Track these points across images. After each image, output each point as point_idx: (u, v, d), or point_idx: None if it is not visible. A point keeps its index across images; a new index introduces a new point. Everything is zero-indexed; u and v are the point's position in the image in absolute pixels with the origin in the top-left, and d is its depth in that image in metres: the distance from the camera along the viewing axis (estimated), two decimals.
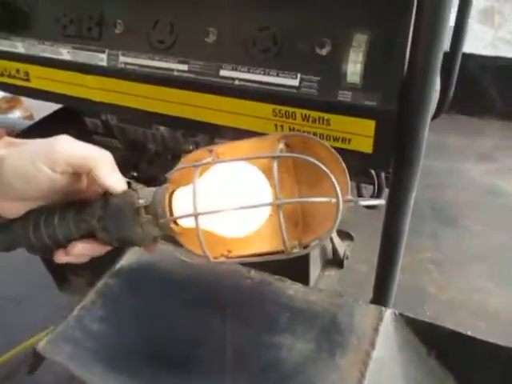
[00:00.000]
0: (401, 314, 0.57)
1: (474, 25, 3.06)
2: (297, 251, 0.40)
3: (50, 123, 1.06)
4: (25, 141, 0.44)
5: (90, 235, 0.44)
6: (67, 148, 0.42)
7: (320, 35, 0.51)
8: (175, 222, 0.42)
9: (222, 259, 0.43)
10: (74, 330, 0.58)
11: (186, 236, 0.43)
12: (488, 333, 0.58)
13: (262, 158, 0.41)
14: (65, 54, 0.69)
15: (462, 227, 0.91)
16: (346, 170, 0.40)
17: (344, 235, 0.87)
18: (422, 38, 0.43)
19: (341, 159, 0.40)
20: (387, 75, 0.49)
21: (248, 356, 0.53)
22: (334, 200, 0.37)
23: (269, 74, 0.55)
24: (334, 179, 0.36)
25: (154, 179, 1.06)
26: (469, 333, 0.55)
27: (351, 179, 0.87)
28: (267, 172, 0.41)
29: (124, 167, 1.16)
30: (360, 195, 0.92)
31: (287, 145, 0.42)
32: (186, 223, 0.42)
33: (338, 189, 0.36)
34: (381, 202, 0.42)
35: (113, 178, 0.43)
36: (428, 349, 0.57)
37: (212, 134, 0.72)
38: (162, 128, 0.92)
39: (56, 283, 1.18)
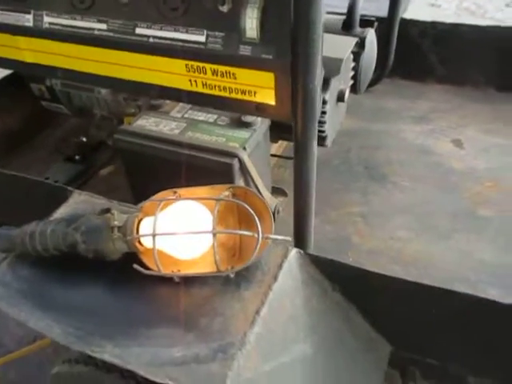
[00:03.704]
0: (306, 253, 0.62)
1: None
2: (227, 272, 0.55)
3: None
4: None
5: (73, 247, 0.57)
6: None
7: None
8: (139, 242, 0.56)
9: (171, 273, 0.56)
10: (7, 274, 0.63)
11: (146, 255, 0.56)
12: (404, 275, 0.64)
13: (211, 200, 0.56)
14: None
15: (391, 183, 0.97)
16: (272, 215, 0.56)
17: (278, 191, 0.93)
18: None
19: (269, 207, 0.56)
20: (280, 30, 0.53)
21: (162, 290, 0.58)
22: (255, 235, 0.52)
23: (179, 31, 0.58)
24: (257, 220, 0.51)
25: (102, 143, 1.10)
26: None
27: (279, 137, 0.91)
28: (213, 211, 0.54)
29: (74, 133, 1.18)
30: None
31: (234, 194, 0.57)
32: (148, 244, 0.55)
33: (259, 226, 0.52)
34: (286, 238, 0.56)
35: None
36: (332, 283, 0.63)
37: (134, 91, 0.76)
38: (103, 92, 0.95)
39: None
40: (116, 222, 0.55)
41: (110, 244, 0.55)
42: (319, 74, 0.54)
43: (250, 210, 0.52)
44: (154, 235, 0.53)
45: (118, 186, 0.87)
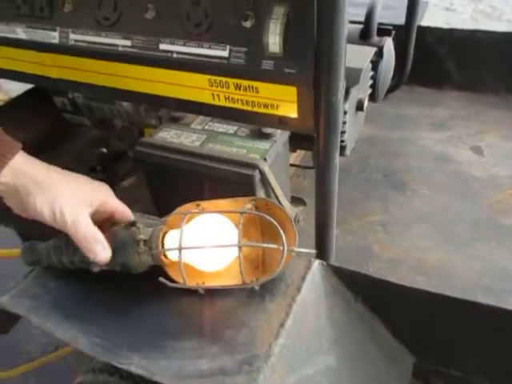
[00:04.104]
0: (328, 264, 0.63)
1: None
2: (252, 284, 0.55)
3: (21, 103, 1.11)
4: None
5: None
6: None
7: (244, 8, 0.56)
8: (165, 255, 0.56)
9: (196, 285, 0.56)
10: (34, 286, 0.64)
11: (171, 268, 0.57)
12: (425, 286, 0.64)
13: (234, 213, 0.56)
14: (20, 32, 0.73)
15: (410, 191, 0.97)
16: (295, 226, 0.55)
17: (298, 201, 0.93)
18: (324, 8, 0.48)
19: (292, 218, 0.55)
20: (304, 44, 0.53)
21: (188, 302, 0.59)
22: (281, 248, 0.52)
23: (202, 47, 0.60)
24: (282, 233, 0.51)
25: (122, 154, 1.11)
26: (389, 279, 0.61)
27: (297, 147, 0.92)
28: (237, 224, 0.55)
29: (94, 144, 1.20)
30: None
31: (256, 206, 0.57)
32: (173, 257, 0.56)
33: (284, 239, 0.52)
34: (311, 251, 0.56)
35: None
36: (355, 295, 0.63)
37: (157, 105, 0.77)
38: (125, 104, 0.97)
39: None
40: (142, 236, 0.56)
41: (136, 257, 0.56)
42: (342, 86, 0.54)
43: (275, 223, 0.52)
44: (180, 249, 0.53)
45: (140, 197, 0.88)
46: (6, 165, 0.51)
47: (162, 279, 0.55)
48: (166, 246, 0.56)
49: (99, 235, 0.55)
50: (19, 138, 1.11)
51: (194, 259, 0.56)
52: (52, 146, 1.14)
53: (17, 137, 1.11)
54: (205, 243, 0.54)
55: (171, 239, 0.56)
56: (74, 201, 0.54)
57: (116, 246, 0.57)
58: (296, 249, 0.54)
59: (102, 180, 1.05)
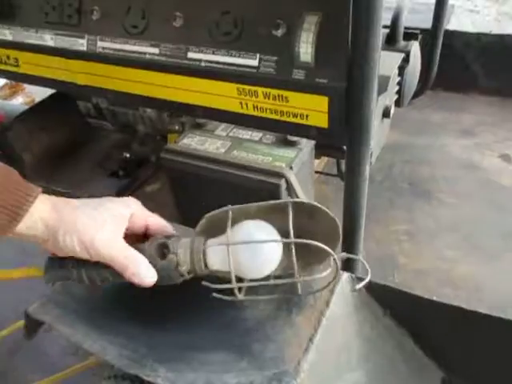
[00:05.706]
0: (358, 278, 0.61)
1: (477, 0, 3.01)
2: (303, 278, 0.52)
3: (46, 107, 1.12)
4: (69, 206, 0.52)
5: None
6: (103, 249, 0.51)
7: (275, 18, 0.55)
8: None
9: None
10: (62, 294, 0.64)
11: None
12: (453, 298, 0.63)
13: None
14: (48, 40, 0.73)
15: (436, 200, 0.95)
16: (341, 229, 0.52)
17: None
18: (359, 19, 0.46)
19: (338, 223, 0.51)
20: (336, 54, 0.52)
21: (215, 314, 0.58)
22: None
23: (231, 55, 0.59)
24: (334, 255, 0.49)
25: (145, 159, 1.12)
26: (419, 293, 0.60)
27: (324, 155, 0.91)
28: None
29: (117, 149, 1.20)
30: (339, 170, 0.96)
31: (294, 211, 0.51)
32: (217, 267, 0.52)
33: (338, 262, 0.50)
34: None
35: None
36: (384, 309, 0.62)
37: (183, 112, 0.77)
38: (148, 110, 0.97)
39: None
40: (184, 268, 0.52)
41: (181, 279, 0.53)
42: (375, 97, 0.53)
43: (329, 250, 0.49)
44: (231, 269, 0.50)
45: (164, 203, 0.88)
46: (28, 211, 0.50)
47: (205, 283, 0.52)
48: (208, 259, 0.53)
49: (140, 257, 0.52)
50: (44, 142, 1.12)
51: (239, 268, 0.51)
52: (75, 150, 1.14)
53: (41, 140, 1.12)
54: (253, 251, 0.50)
55: (213, 251, 0.52)
56: (103, 229, 0.51)
57: (160, 276, 0.53)
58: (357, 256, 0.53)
59: (124, 184, 1.07)
